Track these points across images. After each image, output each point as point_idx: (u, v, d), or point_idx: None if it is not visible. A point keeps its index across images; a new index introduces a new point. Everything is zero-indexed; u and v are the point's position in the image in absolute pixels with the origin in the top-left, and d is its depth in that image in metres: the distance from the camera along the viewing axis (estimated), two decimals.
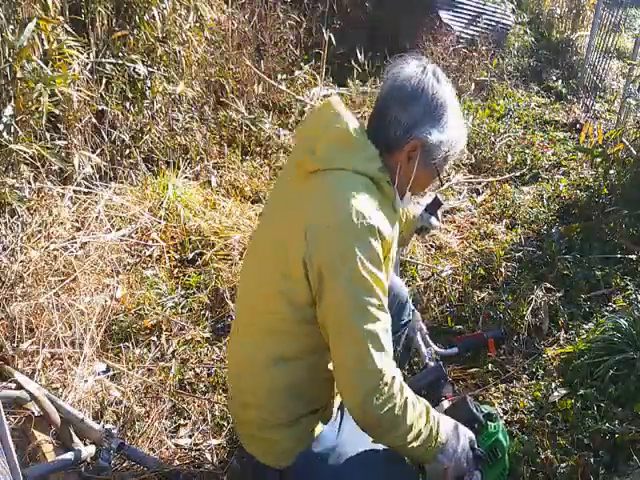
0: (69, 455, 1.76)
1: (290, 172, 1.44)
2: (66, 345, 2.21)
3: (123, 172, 3.16)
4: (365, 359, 1.18)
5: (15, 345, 2.16)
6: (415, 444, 1.24)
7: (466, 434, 1.32)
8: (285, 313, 1.32)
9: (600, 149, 3.64)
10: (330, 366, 1.38)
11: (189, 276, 2.71)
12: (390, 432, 1.23)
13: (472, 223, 3.38)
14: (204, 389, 2.20)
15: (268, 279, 1.36)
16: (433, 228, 1.97)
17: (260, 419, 1.44)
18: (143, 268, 2.70)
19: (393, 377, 1.21)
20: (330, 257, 1.22)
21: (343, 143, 1.30)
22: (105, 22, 2.96)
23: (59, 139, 2.73)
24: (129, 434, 1.98)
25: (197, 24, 3.57)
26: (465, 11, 5.68)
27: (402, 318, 1.92)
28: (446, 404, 1.61)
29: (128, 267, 2.67)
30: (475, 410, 1.40)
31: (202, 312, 2.54)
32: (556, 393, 2.13)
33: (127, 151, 3.18)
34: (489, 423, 1.41)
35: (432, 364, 1.89)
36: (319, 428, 1.44)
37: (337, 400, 1.49)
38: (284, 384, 1.38)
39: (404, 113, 1.31)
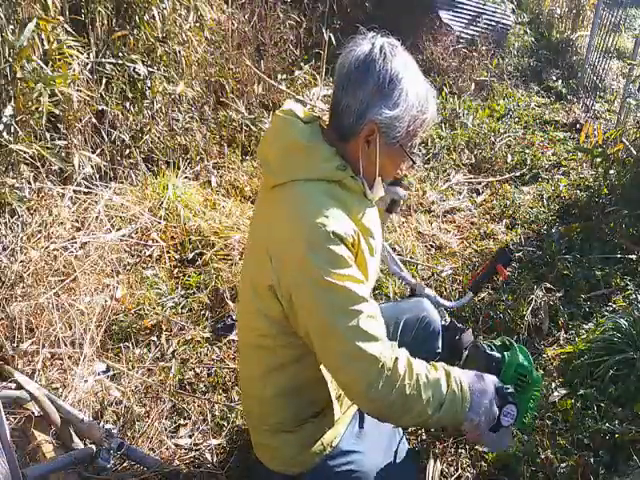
0: (69, 455, 1.77)
1: (262, 181, 1.44)
2: (66, 345, 2.21)
3: (123, 172, 3.16)
4: (357, 354, 1.16)
5: (15, 345, 2.16)
6: (439, 414, 1.20)
7: (490, 380, 1.29)
8: (263, 329, 1.33)
9: (600, 149, 3.64)
10: (320, 367, 1.37)
11: (189, 276, 2.71)
12: (407, 413, 1.20)
13: (472, 223, 3.38)
14: (204, 389, 2.20)
15: (246, 295, 1.38)
16: (402, 198, 1.87)
17: (259, 426, 1.47)
18: (143, 268, 2.70)
19: (395, 359, 1.18)
20: (294, 276, 1.21)
21: (291, 150, 1.27)
22: (105, 22, 2.96)
23: (59, 139, 2.73)
24: (129, 434, 1.98)
25: (197, 24, 3.57)
26: (465, 11, 5.68)
27: (435, 348, 1.82)
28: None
29: (128, 267, 2.67)
30: (489, 350, 1.39)
31: (202, 312, 2.54)
32: (556, 393, 2.13)
33: (127, 151, 3.18)
34: (505, 354, 1.39)
35: (444, 323, 1.87)
36: (330, 437, 1.44)
37: (339, 405, 1.48)
38: (274, 392, 1.39)
39: (354, 99, 1.24)
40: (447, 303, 2.08)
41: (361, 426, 1.49)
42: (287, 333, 1.30)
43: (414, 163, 1.37)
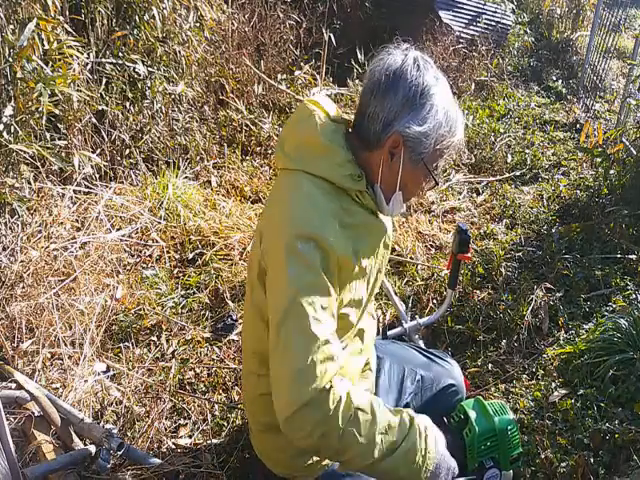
0: (69, 455, 1.77)
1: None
2: (66, 345, 2.21)
3: (123, 172, 3.16)
4: (299, 367, 1.07)
5: (15, 345, 2.16)
6: (391, 462, 1.11)
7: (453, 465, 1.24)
8: (259, 330, 1.30)
9: (600, 149, 3.64)
10: None
11: (189, 276, 2.71)
12: (345, 451, 1.10)
13: (472, 223, 3.38)
14: (204, 389, 2.20)
15: (248, 287, 1.37)
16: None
17: (252, 424, 1.48)
18: (143, 268, 2.70)
19: (331, 386, 1.08)
20: (271, 259, 1.19)
21: (309, 144, 1.24)
22: (105, 22, 2.96)
23: (59, 139, 2.73)
24: (129, 434, 1.98)
25: (197, 24, 3.57)
26: (465, 11, 5.67)
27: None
28: None
29: (128, 267, 2.67)
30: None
31: (202, 312, 2.54)
32: (556, 393, 2.13)
33: (127, 151, 3.19)
34: (464, 435, 1.38)
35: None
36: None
37: None
38: (262, 391, 1.37)
39: (382, 107, 1.19)
40: (432, 316, 2.15)
41: None
42: None
43: (437, 184, 1.32)
